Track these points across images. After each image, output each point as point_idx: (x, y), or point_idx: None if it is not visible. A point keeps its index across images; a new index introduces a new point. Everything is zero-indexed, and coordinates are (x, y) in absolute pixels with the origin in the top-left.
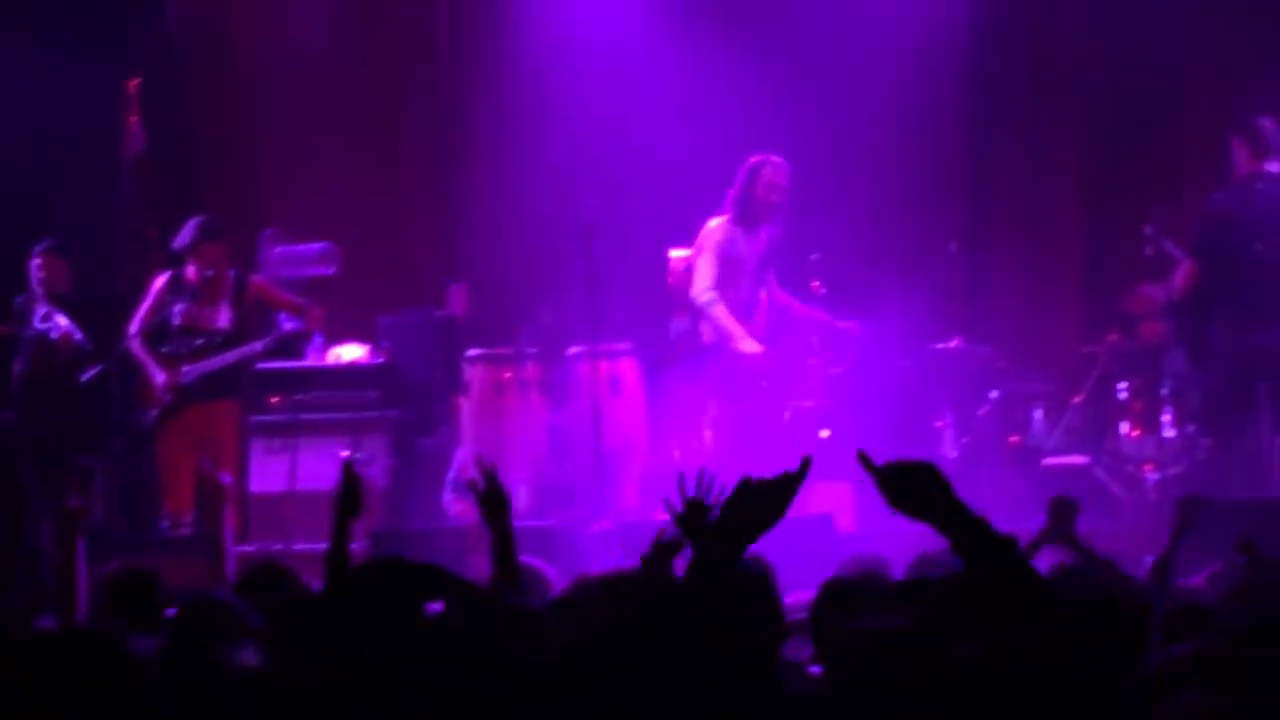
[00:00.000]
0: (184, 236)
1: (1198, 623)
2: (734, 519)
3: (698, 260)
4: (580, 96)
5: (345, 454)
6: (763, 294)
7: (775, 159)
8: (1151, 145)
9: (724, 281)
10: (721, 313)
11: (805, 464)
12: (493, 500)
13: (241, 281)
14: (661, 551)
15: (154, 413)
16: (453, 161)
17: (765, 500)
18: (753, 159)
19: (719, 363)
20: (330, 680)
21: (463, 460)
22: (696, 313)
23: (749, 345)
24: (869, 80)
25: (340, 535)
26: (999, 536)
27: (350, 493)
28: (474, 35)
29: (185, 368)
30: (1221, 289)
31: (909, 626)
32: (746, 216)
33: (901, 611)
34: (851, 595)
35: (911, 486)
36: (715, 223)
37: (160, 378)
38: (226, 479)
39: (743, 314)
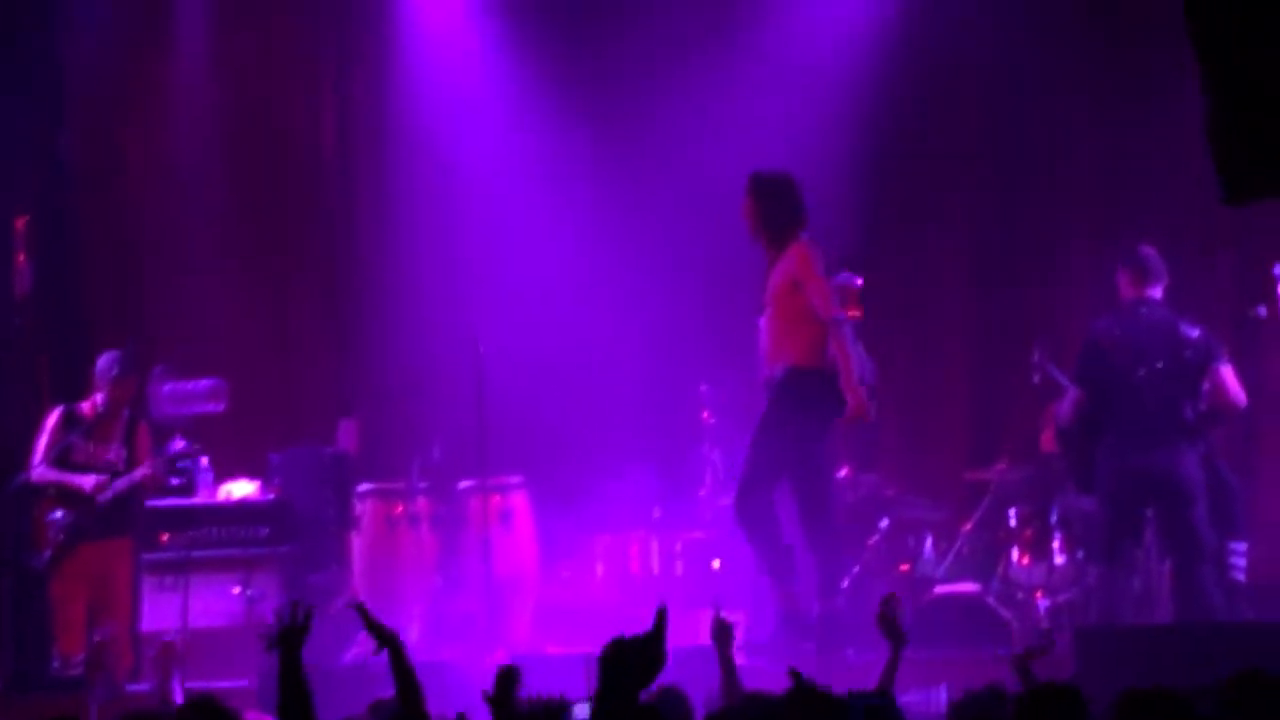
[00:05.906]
0: (107, 366)
1: None
2: (613, 677)
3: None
4: (462, 228)
5: (237, 590)
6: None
7: None
8: (1037, 273)
9: None
10: None
11: (661, 616)
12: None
13: (133, 423)
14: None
15: (47, 554)
16: (341, 297)
17: (640, 655)
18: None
19: None
20: None
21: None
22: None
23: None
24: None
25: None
26: None
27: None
28: (361, 170)
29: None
30: (1107, 414)
31: None
32: None
33: None
34: None
35: None
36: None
37: (88, 482)
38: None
39: None
